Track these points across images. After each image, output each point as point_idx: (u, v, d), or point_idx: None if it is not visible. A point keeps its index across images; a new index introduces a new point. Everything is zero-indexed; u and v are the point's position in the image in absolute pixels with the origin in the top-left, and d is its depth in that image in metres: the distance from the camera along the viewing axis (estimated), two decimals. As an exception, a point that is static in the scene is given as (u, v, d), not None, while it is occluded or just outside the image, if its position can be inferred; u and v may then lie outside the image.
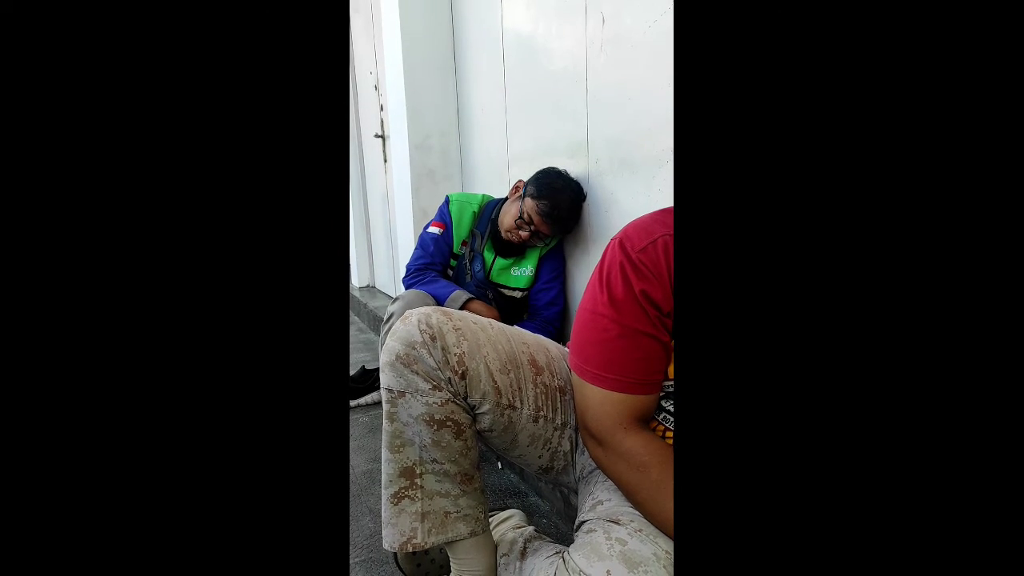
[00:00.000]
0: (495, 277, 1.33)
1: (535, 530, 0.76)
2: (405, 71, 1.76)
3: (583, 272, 1.35)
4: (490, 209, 1.33)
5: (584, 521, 0.63)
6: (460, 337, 0.63)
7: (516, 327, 0.74)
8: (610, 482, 0.65)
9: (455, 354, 0.62)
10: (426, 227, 1.36)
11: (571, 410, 0.71)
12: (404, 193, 1.90)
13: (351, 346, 2.22)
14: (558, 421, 0.70)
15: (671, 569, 0.51)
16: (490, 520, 0.78)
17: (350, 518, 1.00)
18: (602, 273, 0.59)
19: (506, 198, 1.32)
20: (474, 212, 1.34)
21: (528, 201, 1.21)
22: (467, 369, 0.63)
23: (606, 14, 1.13)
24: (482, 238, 1.32)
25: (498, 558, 0.71)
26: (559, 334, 1.34)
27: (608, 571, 0.51)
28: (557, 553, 0.64)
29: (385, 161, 2.55)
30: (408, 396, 0.63)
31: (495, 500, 1.04)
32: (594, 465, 0.71)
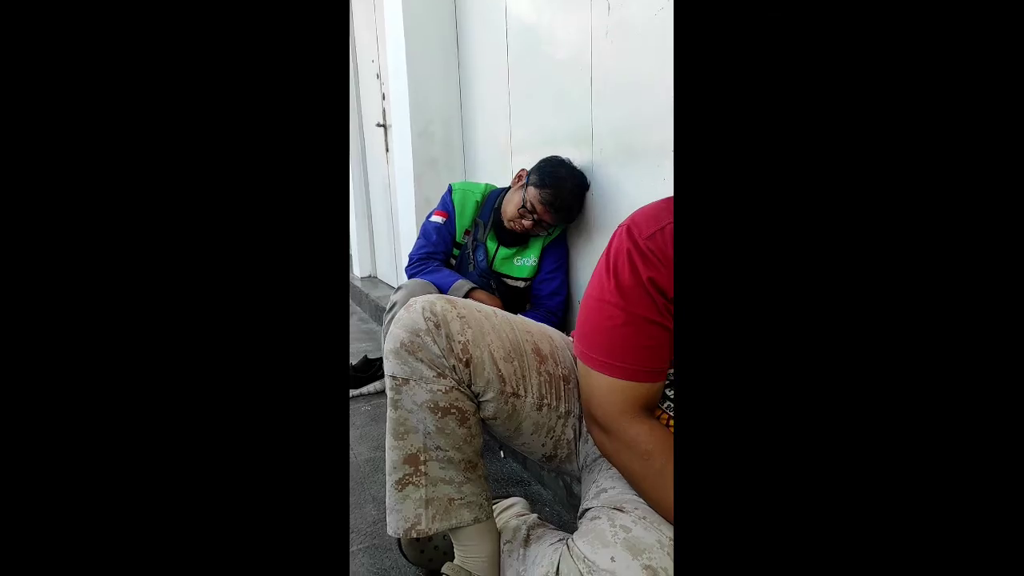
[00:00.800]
0: (498, 267, 1.33)
1: (538, 518, 0.77)
2: (407, 59, 1.74)
3: (586, 262, 1.35)
4: (493, 198, 1.33)
5: (588, 509, 0.63)
6: (464, 325, 0.63)
7: (520, 316, 0.74)
8: (614, 470, 0.65)
9: (459, 342, 0.62)
10: (429, 216, 1.36)
11: (575, 399, 0.71)
12: (406, 182, 1.89)
13: (353, 336, 2.22)
14: (562, 409, 0.70)
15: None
16: (493, 508, 0.78)
17: (353, 505, 1.00)
18: (609, 260, 0.58)
19: (509, 187, 1.31)
20: (477, 201, 1.33)
21: (531, 190, 1.20)
22: (471, 357, 0.63)
23: (612, 1, 1.12)
24: (485, 227, 1.31)
25: (501, 545, 0.71)
26: (562, 324, 1.34)
27: (612, 558, 0.51)
28: (561, 540, 0.64)
29: (387, 150, 2.53)
30: (412, 383, 0.63)
31: (497, 489, 1.04)
32: (598, 453, 0.71)
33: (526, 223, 1.22)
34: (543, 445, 0.71)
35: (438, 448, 0.65)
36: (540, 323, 0.75)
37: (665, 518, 0.54)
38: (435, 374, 0.63)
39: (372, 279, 2.99)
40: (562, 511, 0.97)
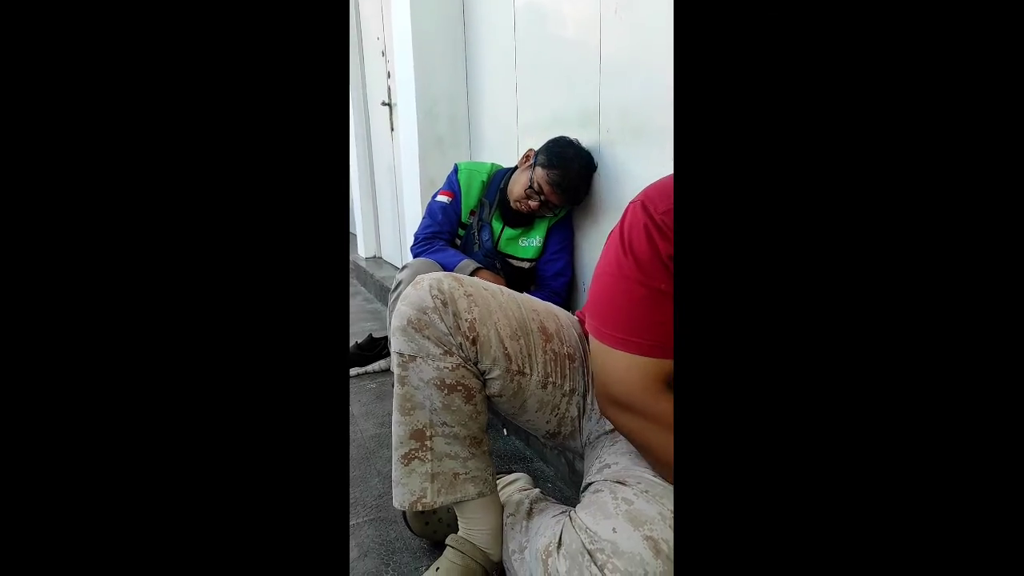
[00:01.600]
0: (503, 247, 1.33)
1: (541, 492, 0.78)
2: (413, 36, 1.72)
3: (592, 243, 1.35)
4: (499, 178, 1.32)
5: (591, 483, 0.64)
6: (471, 303, 0.64)
7: (526, 295, 0.74)
8: (617, 446, 0.66)
9: (466, 320, 0.63)
10: (434, 196, 1.35)
11: (580, 377, 0.72)
12: (411, 162, 1.88)
13: (358, 316, 2.24)
14: (566, 388, 0.71)
15: (675, 529, 0.52)
16: (497, 483, 0.80)
17: (359, 480, 1.02)
18: (623, 236, 0.57)
19: (516, 167, 1.31)
20: (483, 181, 1.33)
21: (538, 170, 1.19)
22: (478, 335, 0.63)
23: (622, -23, 1.10)
24: (491, 207, 1.31)
25: (505, 518, 0.73)
26: (566, 305, 1.34)
27: (614, 528, 0.52)
28: (563, 512, 0.66)
29: (392, 130, 2.51)
30: (419, 360, 0.64)
31: (500, 465, 1.06)
32: (601, 431, 0.72)
33: (532, 204, 1.22)
34: (547, 422, 0.73)
35: (444, 424, 0.67)
36: (546, 302, 0.75)
37: None
38: (442, 351, 0.64)
39: (377, 259, 2.99)
40: (564, 487, 0.99)
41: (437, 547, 0.81)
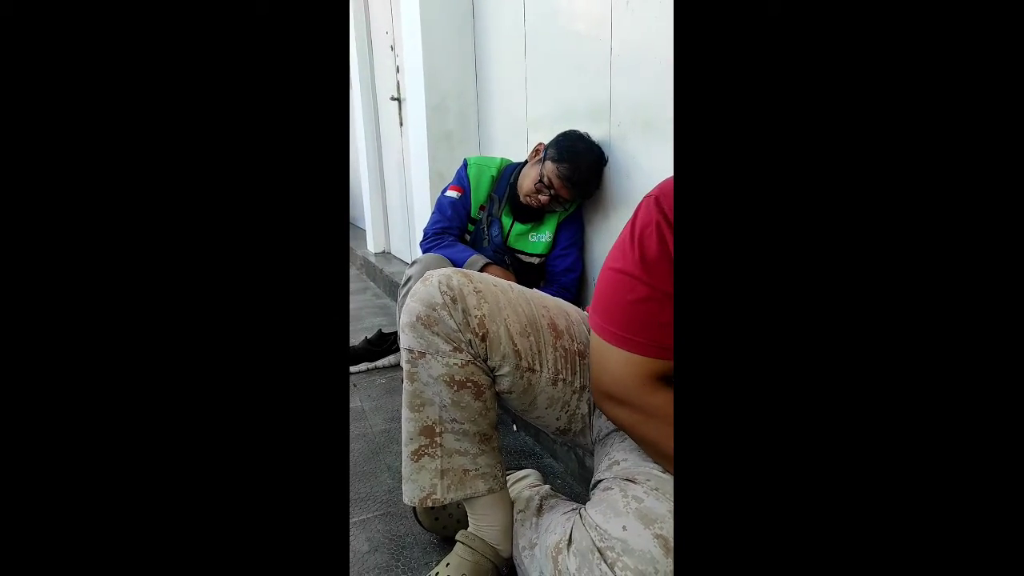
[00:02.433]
0: (513, 242, 1.32)
1: (551, 489, 0.78)
2: (422, 30, 1.71)
3: (602, 239, 1.34)
4: (509, 173, 1.31)
5: (600, 480, 0.64)
6: (481, 299, 0.64)
7: (536, 290, 0.74)
8: (627, 443, 0.66)
9: (476, 316, 0.63)
10: (444, 191, 1.35)
11: (590, 374, 0.72)
12: (420, 157, 1.88)
13: (368, 311, 2.25)
14: (577, 384, 0.70)
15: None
16: (507, 479, 0.80)
17: (369, 474, 1.03)
18: (634, 232, 0.56)
19: (525, 162, 1.30)
20: (492, 176, 1.32)
21: (548, 164, 1.18)
22: (487, 331, 0.63)
23: (633, -33, 1.08)
24: (500, 202, 1.30)
25: (515, 514, 0.73)
26: (576, 301, 1.34)
27: (624, 527, 0.52)
28: (573, 510, 0.65)
29: (401, 124, 2.51)
30: (429, 357, 0.64)
31: (510, 462, 1.06)
32: (611, 428, 0.71)
33: (543, 199, 1.21)
34: (557, 419, 0.72)
35: (453, 420, 0.66)
36: (556, 298, 0.75)
37: None
38: (451, 348, 0.63)
39: (386, 255, 3.00)
40: (574, 484, 0.99)
41: (447, 542, 0.81)
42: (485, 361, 0.65)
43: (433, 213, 1.34)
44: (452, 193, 1.33)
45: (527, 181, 1.23)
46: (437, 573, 0.69)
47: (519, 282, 1.25)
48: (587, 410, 0.73)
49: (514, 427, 1.20)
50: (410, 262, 1.39)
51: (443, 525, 0.82)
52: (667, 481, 0.57)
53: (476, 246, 1.33)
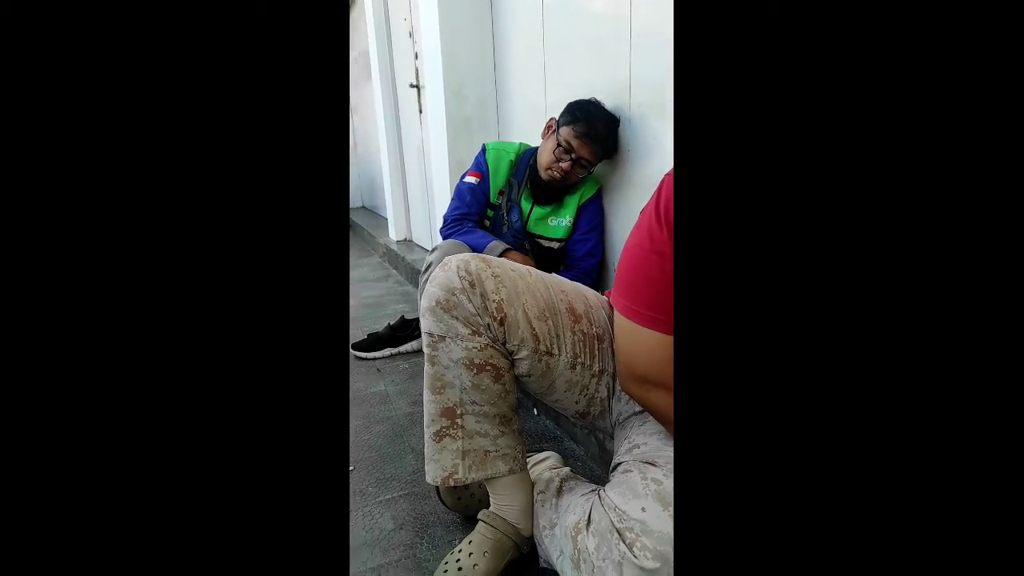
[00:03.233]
0: (532, 227, 1.32)
1: (571, 471, 0.79)
2: (440, 16, 1.70)
3: (622, 223, 1.33)
4: (527, 158, 1.31)
5: (620, 463, 0.64)
6: (499, 284, 0.64)
7: (554, 275, 0.74)
8: (647, 427, 0.66)
9: (494, 300, 0.63)
10: (462, 177, 1.35)
11: (608, 357, 0.72)
12: (440, 144, 1.88)
13: (390, 298, 2.28)
14: (595, 368, 0.71)
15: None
16: (527, 461, 0.81)
17: (394, 456, 1.05)
18: (659, 208, 0.54)
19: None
20: (511, 161, 1.31)
21: (563, 129, 1.18)
22: (506, 315, 0.64)
23: (653, -57, 1.06)
24: (519, 187, 1.30)
25: (535, 495, 0.74)
26: (595, 286, 1.33)
27: (643, 508, 0.52)
28: (593, 491, 0.66)
29: (420, 111, 2.52)
30: (448, 340, 0.65)
31: (531, 444, 1.07)
32: (630, 411, 0.72)
33: (564, 165, 1.20)
34: (576, 402, 0.73)
35: (474, 403, 0.68)
36: (575, 283, 0.75)
37: None
38: (470, 331, 0.64)
39: (407, 242, 3.03)
40: (595, 467, 1.00)
41: (470, 521, 0.83)
42: (504, 344, 0.66)
43: (452, 199, 1.35)
44: (471, 179, 1.33)
45: (545, 155, 1.23)
46: (460, 550, 0.71)
47: (539, 267, 1.25)
48: (606, 394, 0.73)
49: (534, 411, 1.21)
50: (431, 249, 1.40)
51: (465, 504, 0.84)
52: (686, 463, 0.57)
53: (496, 232, 1.33)
